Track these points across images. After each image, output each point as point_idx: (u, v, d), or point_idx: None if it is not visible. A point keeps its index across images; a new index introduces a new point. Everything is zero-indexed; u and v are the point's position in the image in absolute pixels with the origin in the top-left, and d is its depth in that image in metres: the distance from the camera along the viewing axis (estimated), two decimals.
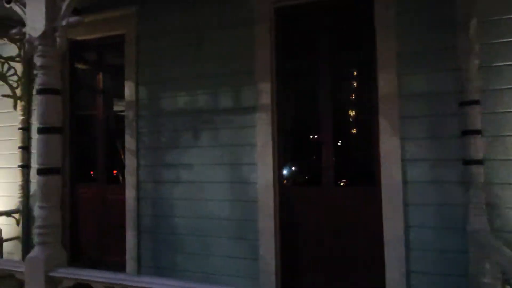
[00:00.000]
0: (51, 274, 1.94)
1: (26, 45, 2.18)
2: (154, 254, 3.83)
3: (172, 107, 3.81)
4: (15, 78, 4.45)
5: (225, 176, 3.55)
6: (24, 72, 4.52)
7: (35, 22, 2.04)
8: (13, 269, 2.10)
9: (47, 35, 2.05)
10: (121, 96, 4.14)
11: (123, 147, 4.06)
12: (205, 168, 3.65)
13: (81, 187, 4.40)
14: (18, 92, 4.47)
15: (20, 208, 4.43)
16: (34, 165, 4.48)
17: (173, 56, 3.80)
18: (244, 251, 3.43)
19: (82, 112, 4.53)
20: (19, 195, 4.45)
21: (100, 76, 4.41)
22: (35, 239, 2.07)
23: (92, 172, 4.50)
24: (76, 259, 4.27)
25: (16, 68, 4.47)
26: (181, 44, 3.78)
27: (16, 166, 4.51)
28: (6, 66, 4.37)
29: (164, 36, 3.86)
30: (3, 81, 4.33)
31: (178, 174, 3.75)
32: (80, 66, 4.56)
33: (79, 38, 4.36)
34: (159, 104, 3.87)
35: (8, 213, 4.32)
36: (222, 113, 3.59)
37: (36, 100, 4.30)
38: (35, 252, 2.03)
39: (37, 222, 2.05)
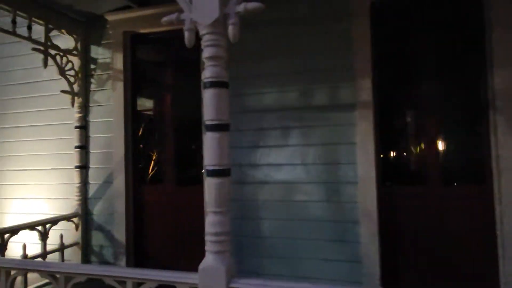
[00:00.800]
0: (233, 285, 1.76)
1: (186, 34, 1.97)
2: (238, 259, 3.64)
3: (258, 104, 3.63)
4: (72, 73, 4.16)
5: (320, 176, 3.41)
6: (81, 66, 4.23)
7: (205, 7, 1.84)
8: (178, 280, 1.89)
9: (219, 22, 1.85)
10: (193, 92, 3.93)
11: (199, 146, 3.86)
12: (296, 168, 3.50)
13: (146, 189, 4.16)
14: (75, 88, 4.17)
15: (79, 212, 4.14)
16: (93, 165, 4.22)
17: (259, 51, 3.63)
18: (344, 254, 3.30)
19: (146, 109, 4.29)
20: (77, 198, 4.16)
21: (169, 72, 4.18)
22: (208, 247, 1.87)
23: (150, 172, 4.25)
24: (141, 264, 4.05)
25: (73, 62, 4.18)
26: (269, 39, 3.61)
27: (72, 167, 4.22)
28: (64, 60, 4.07)
29: (249, 30, 3.66)
30: (61, 75, 4.04)
31: (265, 174, 3.58)
32: (144, 60, 4.30)
33: (142, 31, 4.14)
34: (243, 101, 3.68)
35: (67, 218, 4.03)
36: (315, 111, 3.45)
37: (103, 96, 4.18)
38: (209, 261, 1.83)
39: (210, 229, 1.85)
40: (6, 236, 3.34)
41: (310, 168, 3.45)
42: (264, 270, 3.53)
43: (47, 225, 3.79)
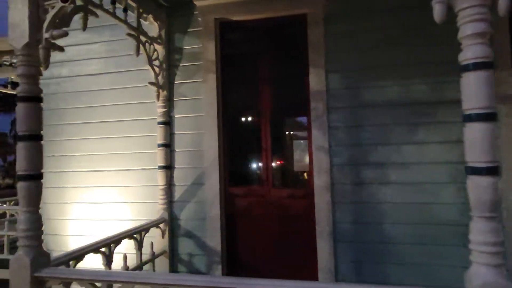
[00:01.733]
0: None
1: (437, 7, 1.66)
2: (356, 266, 3.35)
3: (377, 98, 3.35)
4: (156, 63, 3.76)
5: (456, 176, 3.15)
6: (165, 56, 3.83)
7: None
8: None
9: None
10: (293, 85, 3.63)
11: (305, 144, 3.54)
12: (425, 167, 3.23)
13: (239, 191, 3.80)
14: (160, 80, 3.77)
15: (165, 217, 3.73)
16: (178, 165, 3.83)
17: (375, 41, 3.36)
18: None
19: (239, 103, 3.93)
20: (162, 201, 3.76)
21: (266, 63, 3.83)
22: (481, 258, 1.56)
23: (243, 173, 3.90)
24: (234, 272, 3.69)
25: (158, 52, 3.78)
26: (393, 26, 3.34)
27: (155, 167, 3.82)
28: (151, 49, 3.66)
29: (370, 18, 3.39)
30: (150, 65, 3.63)
31: (387, 174, 3.31)
32: (235, 51, 3.94)
33: (235, 18, 3.79)
34: (359, 95, 3.39)
35: (156, 224, 3.62)
36: (449, 106, 3.20)
37: (190, 89, 3.79)
38: (487, 276, 1.53)
39: (481, 238, 1.55)
40: (112, 246, 2.92)
41: (442, 168, 3.19)
42: (389, 278, 3.25)
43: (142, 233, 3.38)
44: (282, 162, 3.82)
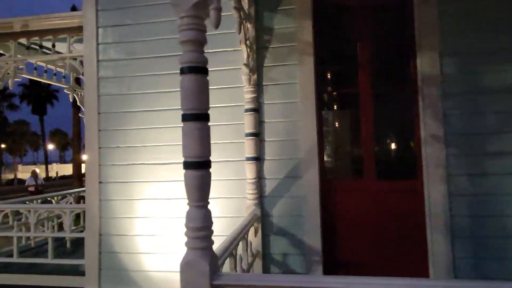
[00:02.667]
0: None
1: None
2: (475, 263, 3.14)
3: (497, 84, 3.15)
4: (247, 43, 3.39)
5: None
6: (256, 36, 3.48)
7: None
8: None
9: None
10: (396, 70, 3.38)
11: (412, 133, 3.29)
12: None
13: (337, 185, 3.50)
14: (250, 62, 3.41)
15: (258, 214, 3.38)
16: (268, 157, 3.49)
17: (496, 21, 3.15)
18: None
19: (337, 88, 3.62)
20: (252, 196, 3.40)
21: (364, 46, 3.54)
22: None
23: (341, 165, 3.61)
24: (334, 273, 3.40)
25: (249, 31, 3.42)
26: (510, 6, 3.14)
27: (242, 158, 3.46)
28: (245, 27, 3.29)
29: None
30: (244, 45, 3.26)
31: (509, 165, 3.11)
32: (331, 32, 3.63)
33: None
34: (477, 80, 3.18)
35: (253, 222, 3.26)
36: None
37: (282, 72, 3.45)
38: None
39: None
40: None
41: None
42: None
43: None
44: (385, 152, 3.55)
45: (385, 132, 3.58)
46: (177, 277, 2.95)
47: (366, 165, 3.47)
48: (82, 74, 4.09)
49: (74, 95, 6.27)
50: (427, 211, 3.22)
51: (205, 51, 3.50)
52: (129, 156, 3.72)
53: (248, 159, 3.44)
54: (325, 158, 3.56)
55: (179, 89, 3.48)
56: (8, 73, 4.37)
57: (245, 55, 3.32)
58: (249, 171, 3.43)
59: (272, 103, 3.50)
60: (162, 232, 3.62)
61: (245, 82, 3.40)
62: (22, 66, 4.48)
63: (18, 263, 4.25)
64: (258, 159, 3.45)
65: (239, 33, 3.06)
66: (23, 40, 4.40)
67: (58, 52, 4.37)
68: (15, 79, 4.58)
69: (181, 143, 3.40)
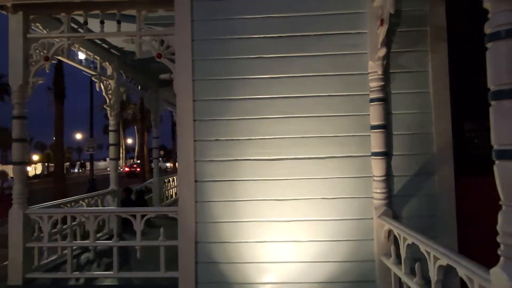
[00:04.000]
0: None
1: None
2: None
3: None
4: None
5: None
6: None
7: None
8: None
9: None
10: None
11: None
12: None
13: (472, 182, 3.24)
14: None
15: (390, 215, 3.03)
16: (397, 152, 3.16)
17: None
18: None
19: (469, 80, 3.35)
20: (380, 196, 3.04)
21: None
22: None
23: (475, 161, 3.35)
24: None
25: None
26: None
27: (367, 154, 3.11)
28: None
29: None
30: (381, 25, 2.90)
31: None
32: (466, 18, 3.35)
33: None
34: None
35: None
36: None
37: (412, 59, 3.13)
38: None
39: None
40: None
41: None
42: None
43: None
44: None
45: None
46: None
47: None
48: (158, 56, 3.52)
49: (101, 83, 5.55)
50: None
51: (320, 33, 3.08)
52: (231, 150, 3.22)
53: (374, 154, 3.09)
54: (460, 153, 3.28)
55: (292, 75, 3.06)
56: (62, 51, 3.66)
57: (380, 38, 2.96)
58: (376, 167, 3.08)
59: (400, 93, 3.17)
60: (271, 238, 3.16)
61: (376, 68, 3.04)
62: (77, 45, 3.79)
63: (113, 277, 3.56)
64: (385, 154, 3.11)
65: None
66: (78, 14, 3.71)
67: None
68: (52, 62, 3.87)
69: (299, 136, 2.98)
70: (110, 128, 6.01)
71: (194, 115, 3.23)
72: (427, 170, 3.12)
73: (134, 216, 3.53)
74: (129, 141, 58.54)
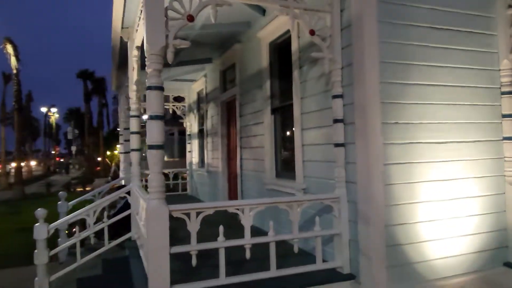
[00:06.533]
0: None
1: None
2: None
3: None
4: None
5: None
6: None
7: None
8: None
9: None
10: None
11: None
12: None
13: None
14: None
15: None
16: None
17: None
18: None
19: None
20: None
21: None
22: None
23: None
24: None
25: None
26: None
27: (499, 138, 3.68)
28: None
29: None
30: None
31: None
32: None
33: None
34: None
35: None
36: None
37: None
38: None
39: None
40: None
41: None
42: None
43: None
44: None
45: None
46: (460, 260, 3.22)
47: None
48: (311, 33, 3.31)
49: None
50: None
51: (461, 29, 3.52)
52: (407, 133, 3.31)
53: (506, 138, 3.67)
54: None
55: (465, 66, 3.44)
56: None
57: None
58: (508, 150, 3.67)
59: None
60: (442, 216, 3.39)
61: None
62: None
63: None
64: None
65: None
66: None
67: None
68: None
69: (458, 121, 3.41)
70: None
71: (381, 97, 3.19)
72: None
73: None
74: None
